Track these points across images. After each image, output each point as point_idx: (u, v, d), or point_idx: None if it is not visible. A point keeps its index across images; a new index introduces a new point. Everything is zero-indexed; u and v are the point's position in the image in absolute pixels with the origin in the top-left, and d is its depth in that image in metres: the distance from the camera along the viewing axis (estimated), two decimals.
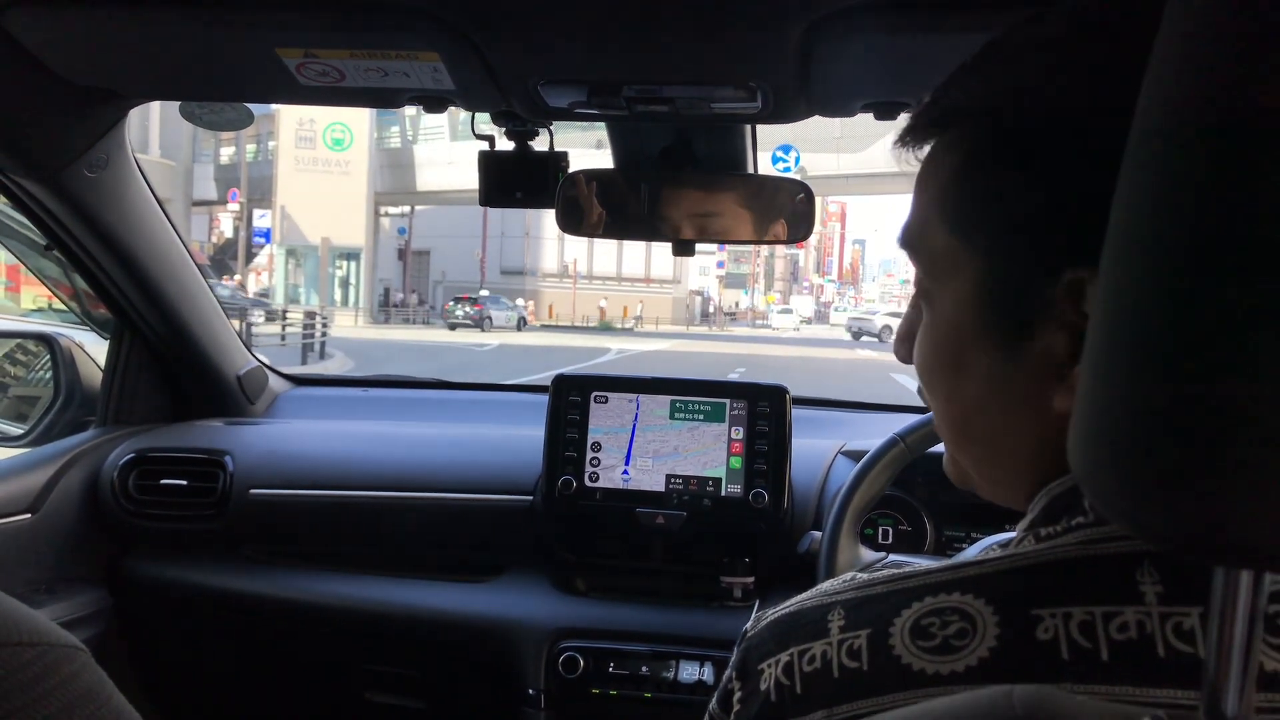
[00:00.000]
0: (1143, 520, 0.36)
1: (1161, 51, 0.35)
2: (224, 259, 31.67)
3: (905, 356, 0.62)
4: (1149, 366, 0.34)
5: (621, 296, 42.18)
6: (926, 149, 0.57)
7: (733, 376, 2.01)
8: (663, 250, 1.74)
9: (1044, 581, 0.49)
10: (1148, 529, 0.36)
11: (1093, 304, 0.43)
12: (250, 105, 1.50)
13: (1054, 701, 0.40)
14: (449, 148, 32.75)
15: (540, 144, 1.43)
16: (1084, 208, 0.46)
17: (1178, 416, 0.33)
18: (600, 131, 1.52)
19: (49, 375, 2.02)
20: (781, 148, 25.92)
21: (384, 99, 1.26)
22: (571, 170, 1.43)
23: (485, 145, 1.44)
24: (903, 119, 1.25)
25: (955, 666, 0.48)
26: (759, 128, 1.44)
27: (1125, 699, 0.45)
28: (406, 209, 38.89)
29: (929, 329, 0.58)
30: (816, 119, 1.31)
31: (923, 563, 0.66)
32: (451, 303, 30.77)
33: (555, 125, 1.41)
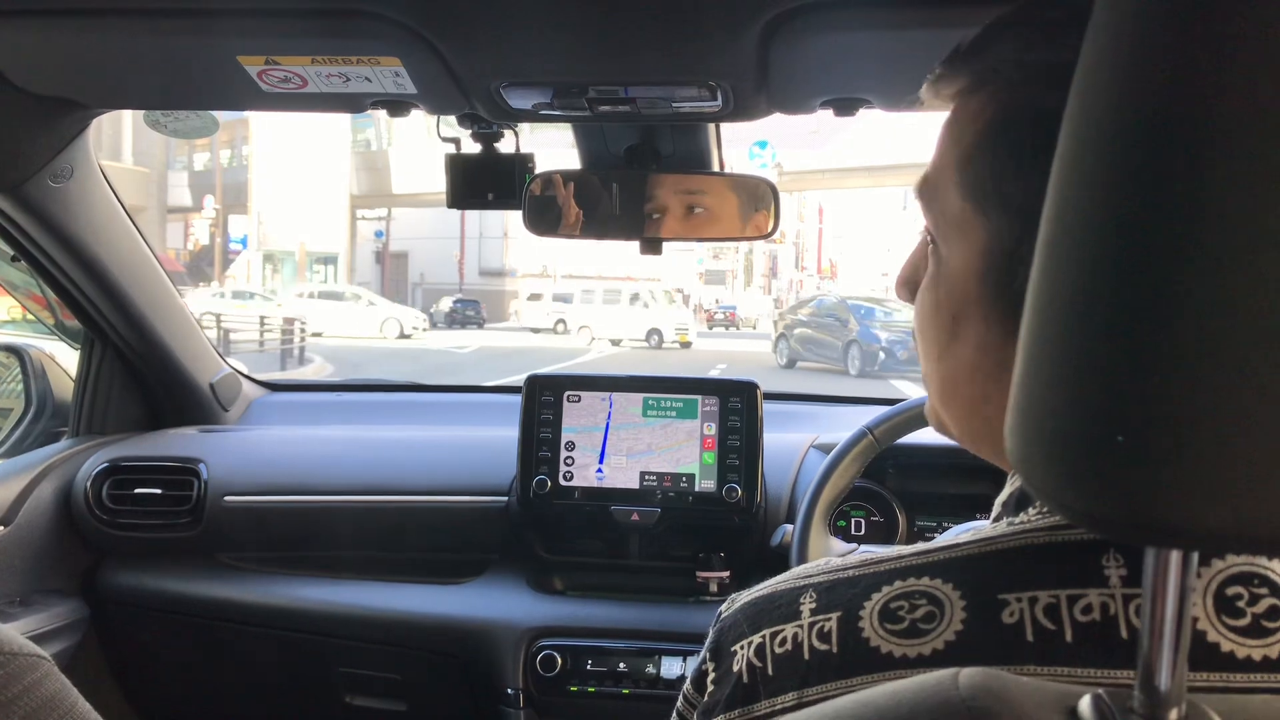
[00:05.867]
0: (1071, 503, 0.36)
1: (1092, 47, 0.36)
2: (200, 265, 31.34)
3: (907, 298, 0.61)
4: (1075, 356, 0.35)
5: None
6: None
7: (713, 374, 2.02)
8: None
9: (1011, 566, 0.50)
10: (1076, 511, 0.36)
11: None
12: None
13: (998, 682, 0.41)
14: (424, 150, 32.54)
15: (508, 145, 1.44)
16: None
17: (1104, 404, 0.34)
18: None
19: (20, 387, 2.01)
20: (758, 143, 25.90)
21: (347, 104, 1.25)
22: (538, 171, 1.43)
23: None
24: (863, 114, 1.27)
25: (922, 650, 0.49)
26: (732, 125, 1.44)
27: (1088, 680, 0.46)
28: (383, 212, 38.63)
29: (932, 285, 0.57)
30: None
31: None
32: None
33: (531, 124, 1.41)
